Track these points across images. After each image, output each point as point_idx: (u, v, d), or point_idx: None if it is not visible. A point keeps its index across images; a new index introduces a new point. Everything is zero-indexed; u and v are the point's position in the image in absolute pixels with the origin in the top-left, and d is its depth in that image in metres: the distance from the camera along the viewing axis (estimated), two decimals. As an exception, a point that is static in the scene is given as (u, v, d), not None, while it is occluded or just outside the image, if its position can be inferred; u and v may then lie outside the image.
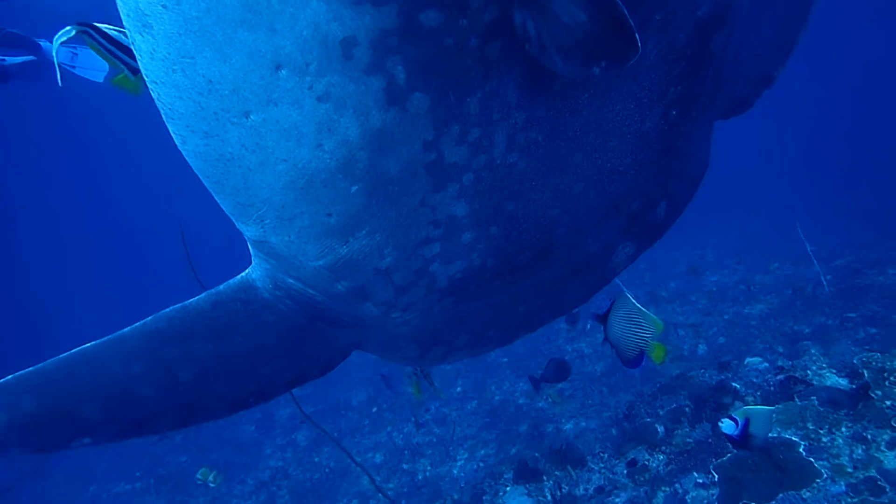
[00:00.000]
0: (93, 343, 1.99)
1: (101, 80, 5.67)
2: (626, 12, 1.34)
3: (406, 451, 8.43)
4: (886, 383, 3.80)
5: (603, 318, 3.02)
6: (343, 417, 10.33)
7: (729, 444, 3.60)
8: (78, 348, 1.91)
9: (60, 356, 1.91)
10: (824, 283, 7.71)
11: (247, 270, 2.16)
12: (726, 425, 3.34)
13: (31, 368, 1.84)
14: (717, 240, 14.02)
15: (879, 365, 3.99)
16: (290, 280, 2.05)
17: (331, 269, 1.91)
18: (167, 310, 2.07)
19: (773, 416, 3.18)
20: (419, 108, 1.60)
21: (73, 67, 5.57)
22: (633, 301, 2.94)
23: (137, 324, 2.03)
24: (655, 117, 2.08)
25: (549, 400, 7.56)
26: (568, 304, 2.59)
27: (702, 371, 5.65)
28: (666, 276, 12.25)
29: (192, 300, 2.11)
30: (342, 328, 2.28)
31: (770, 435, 3.33)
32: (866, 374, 3.99)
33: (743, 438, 3.32)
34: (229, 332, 2.16)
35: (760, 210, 16.26)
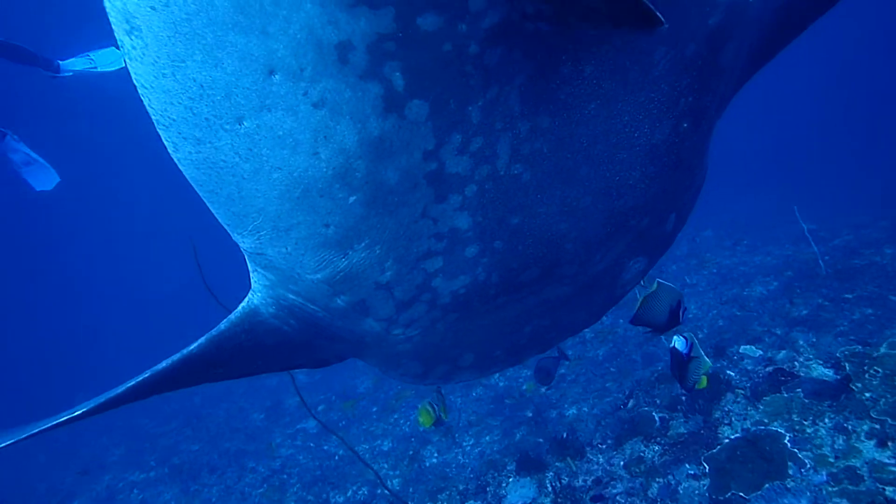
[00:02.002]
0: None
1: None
2: None
3: (413, 438, 8.75)
4: (866, 376, 4.00)
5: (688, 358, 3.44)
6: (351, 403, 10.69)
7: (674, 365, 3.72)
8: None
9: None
10: (822, 264, 7.92)
11: (248, 296, 2.13)
12: (679, 341, 3.62)
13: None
14: (717, 219, 14.14)
15: (860, 358, 4.20)
16: (291, 296, 2.02)
17: (329, 282, 1.88)
18: (168, 363, 2.05)
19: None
20: (418, 115, 1.56)
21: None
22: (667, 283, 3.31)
23: (146, 374, 2.02)
24: (665, 129, 2.04)
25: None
26: (577, 323, 2.54)
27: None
28: (666, 259, 12.43)
29: (194, 346, 2.09)
30: (343, 343, 2.26)
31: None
32: (848, 367, 4.21)
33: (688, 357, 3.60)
34: (230, 358, 2.17)
35: (761, 188, 16.35)
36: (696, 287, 9.89)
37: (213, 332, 2.11)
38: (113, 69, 5.98)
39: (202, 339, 2.09)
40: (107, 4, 1.32)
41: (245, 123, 1.46)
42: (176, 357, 2.06)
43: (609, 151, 1.97)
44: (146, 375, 2.02)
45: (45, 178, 5.95)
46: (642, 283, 3.36)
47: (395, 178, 1.66)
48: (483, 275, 2.03)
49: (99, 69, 5.92)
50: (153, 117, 1.48)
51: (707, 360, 3.58)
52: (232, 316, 2.13)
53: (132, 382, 2.00)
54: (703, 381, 3.61)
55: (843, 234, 9.82)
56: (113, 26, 1.35)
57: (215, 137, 1.49)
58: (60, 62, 5.77)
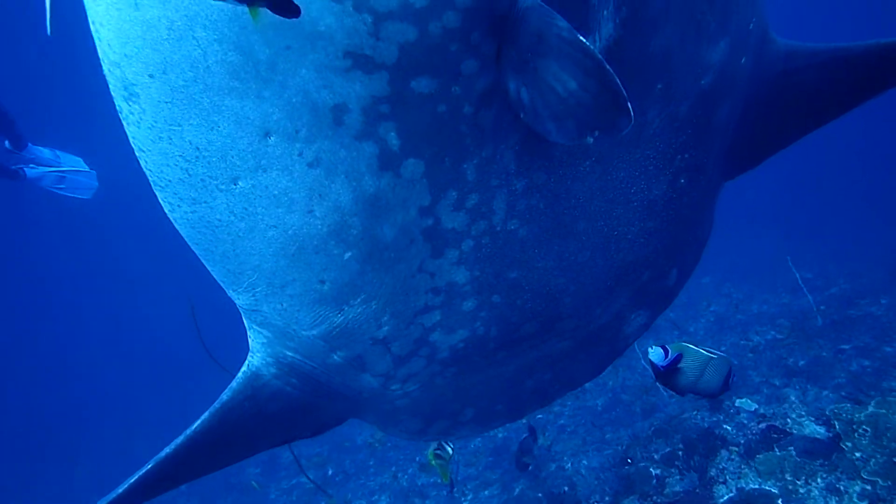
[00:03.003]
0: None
1: (90, 197, 6.04)
2: (618, 82, 1.33)
3: (411, 494, 8.70)
4: (856, 435, 4.07)
5: (666, 372, 3.09)
6: (348, 456, 10.61)
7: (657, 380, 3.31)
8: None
9: None
10: (818, 315, 8.03)
11: (247, 359, 2.13)
12: (655, 353, 3.18)
13: None
14: (715, 265, 14.26)
15: (849, 416, 4.19)
16: (289, 353, 2.02)
17: (325, 338, 1.88)
18: (172, 448, 2.03)
19: (710, 363, 3.06)
20: (414, 173, 1.58)
21: (62, 189, 5.94)
22: (695, 348, 3.23)
23: (157, 458, 2.01)
24: (663, 185, 2.07)
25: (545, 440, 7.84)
26: (580, 377, 2.52)
27: (695, 413, 5.96)
28: (665, 305, 12.49)
29: (197, 424, 2.07)
30: (341, 400, 2.25)
31: (704, 383, 3.16)
32: (837, 426, 4.26)
33: (668, 371, 3.15)
34: (233, 434, 2.15)
35: (760, 232, 16.52)
36: (694, 335, 9.93)
37: (216, 404, 2.09)
38: (80, 196, 5.96)
39: (206, 415, 2.07)
40: (106, 73, 1.36)
41: (240, 183, 1.48)
42: (180, 440, 2.04)
43: (606, 207, 1.99)
44: (149, 469, 2.00)
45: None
46: (691, 354, 3.20)
47: (391, 235, 1.67)
48: (482, 329, 2.03)
49: (65, 192, 5.84)
50: (149, 178, 1.51)
51: (703, 352, 3.16)
52: (234, 384, 2.11)
53: (131, 483, 1.98)
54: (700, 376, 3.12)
55: (840, 282, 9.92)
56: (112, 93, 1.39)
57: (211, 197, 1.51)
58: (31, 144, 5.72)
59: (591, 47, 1.36)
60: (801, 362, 7.31)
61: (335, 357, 1.98)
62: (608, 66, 1.34)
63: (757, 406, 5.60)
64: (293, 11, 1.02)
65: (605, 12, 1.58)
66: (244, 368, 2.13)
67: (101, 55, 1.35)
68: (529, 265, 1.95)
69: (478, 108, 1.55)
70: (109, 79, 1.38)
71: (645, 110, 1.86)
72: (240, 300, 1.83)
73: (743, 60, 2.04)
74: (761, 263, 13.36)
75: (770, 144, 2.41)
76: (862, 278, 9.84)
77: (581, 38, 1.35)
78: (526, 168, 1.75)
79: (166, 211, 1.62)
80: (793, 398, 5.37)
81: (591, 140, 1.42)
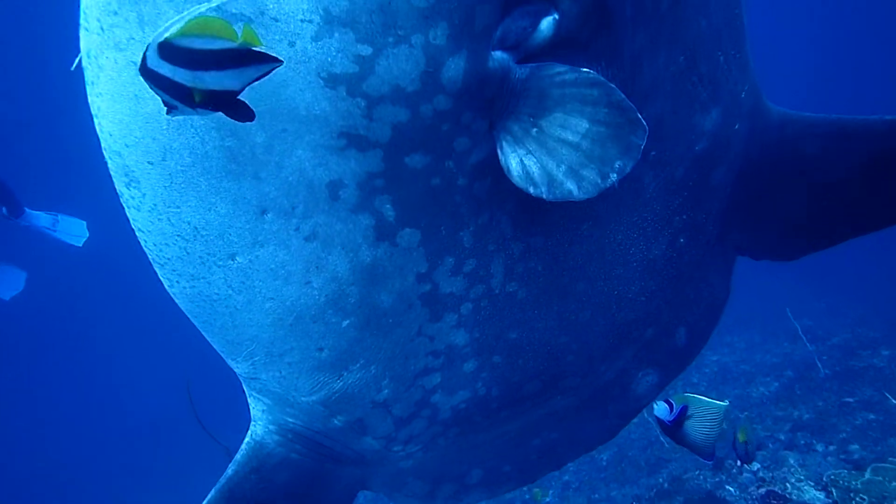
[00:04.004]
0: None
1: (80, 245, 6.10)
2: (623, 95, 1.36)
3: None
4: (853, 503, 4.01)
5: (673, 426, 3.10)
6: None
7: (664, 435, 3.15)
8: None
9: None
10: (820, 366, 7.96)
11: (249, 430, 2.11)
12: (659, 408, 3.26)
13: None
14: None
15: (846, 484, 4.09)
16: (290, 419, 2.01)
17: (325, 403, 1.87)
18: None
19: (721, 414, 3.06)
20: (410, 242, 1.60)
21: (54, 231, 6.01)
22: (699, 397, 3.15)
23: None
24: (662, 245, 2.09)
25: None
26: (591, 438, 2.48)
27: (697, 473, 5.84)
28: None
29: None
30: (347, 465, 2.22)
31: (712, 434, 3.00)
32: (835, 493, 4.12)
33: (675, 425, 2.94)
34: None
35: (759, 281, 16.56)
36: (697, 387, 9.81)
37: (222, 480, 2.04)
38: (71, 242, 6.05)
39: (212, 494, 2.01)
40: (108, 159, 1.40)
41: (238, 259, 1.50)
42: None
43: (605, 268, 2.00)
44: None
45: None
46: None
47: (389, 301, 1.68)
48: (483, 389, 2.02)
49: (57, 235, 6.01)
50: (149, 256, 1.53)
51: (714, 403, 3.16)
52: (238, 456, 2.08)
53: None
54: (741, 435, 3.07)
55: (840, 332, 9.86)
56: (113, 178, 1.42)
57: (209, 273, 1.53)
58: (28, 209, 5.86)
59: (594, 74, 1.40)
60: (806, 415, 7.20)
61: (335, 421, 1.97)
62: (611, 85, 1.38)
63: (759, 465, 5.49)
64: (248, 117, 1.06)
65: None
66: (247, 439, 2.11)
67: (102, 144, 1.39)
68: (530, 326, 1.96)
69: (472, 180, 1.58)
70: (110, 165, 1.42)
71: (640, 176, 1.90)
72: (239, 369, 1.83)
73: (737, 126, 2.09)
74: (763, 311, 13.31)
75: (795, 228, 2.37)
76: (863, 328, 9.79)
77: (582, 70, 1.40)
78: (523, 233, 1.77)
79: (166, 286, 1.63)
80: (791, 461, 5.28)
81: (615, 178, 1.42)
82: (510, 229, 1.73)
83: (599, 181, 1.42)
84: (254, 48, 0.95)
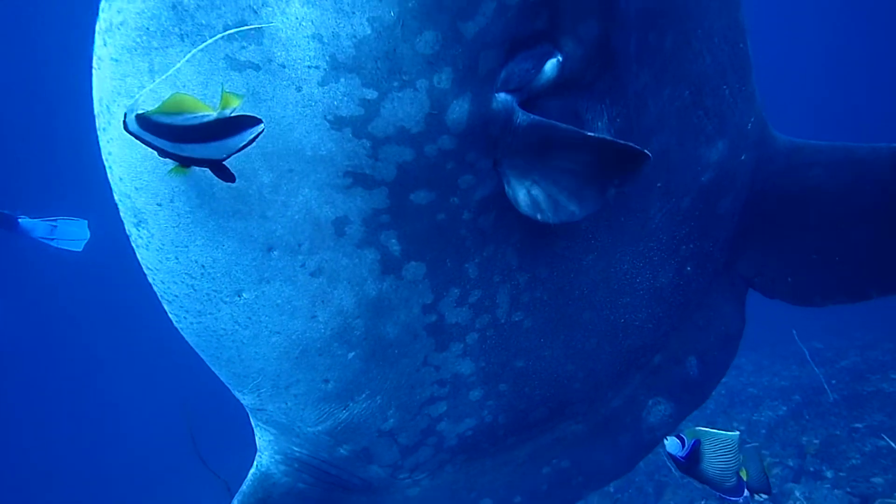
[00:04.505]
0: None
1: (81, 250, 6.04)
2: (622, 142, 1.41)
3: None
4: None
5: (688, 462, 2.97)
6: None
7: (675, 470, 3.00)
8: None
9: None
10: (828, 390, 7.88)
11: (255, 461, 2.10)
12: (671, 443, 2.87)
13: None
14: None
15: None
16: (296, 448, 2.01)
17: (331, 433, 1.88)
18: None
19: (735, 444, 2.74)
20: (416, 275, 1.61)
21: (52, 240, 5.95)
22: (710, 430, 3.03)
23: None
24: (669, 273, 2.09)
25: None
26: (604, 470, 2.42)
27: (703, 503, 5.76)
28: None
29: None
30: (353, 493, 2.21)
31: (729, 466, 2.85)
32: None
33: (690, 461, 2.82)
34: None
35: (766, 302, 16.48)
36: (704, 409, 9.71)
37: None
38: (71, 248, 5.95)
39: None
40: (117, 201, 1.42)
41: (244, 295, 1.52)
42: None
43: (611, 297, 2.01)
44: None
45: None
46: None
47: (395, 332, 1.70)
48: (489, 416, 2.03)
49: (55, 243, 5.88)
50: (157, 293, 1.55)
51: (726, 434, 2.83)
52: (244, 487, 2.06)
53: None
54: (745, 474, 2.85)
55: (850, 355, 9.76)
56: (122, 219, 1.45)
57: (216, 309, 1.55)
58: (22, 220, 5.74)
59: (594, 134, 1.44)
60: (816, 441, 7.11)
61: (341, 450, 1.97)
62: (611, 138, 1.42)
63: (766, 497, 5.43)
64: (230, 179, 1.12)
65: (600, 123, 1.65)
66: (253, 470, 2.10)
67: (112, 186, 1.41)
68: (535, 354, 1.96)
69: (477, 214, 1.60)
70: (120, 207, 1.45)
71: (646, 207, 1.91)
72: (245, 400, 1.84)
73: (743, 157, 2.10)
74: (770, 333, 13.22)
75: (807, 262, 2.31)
76: (872, 351, 9.70)
77: (587, 133, 1.43)
78: (528, 264, 1.78)
79: (173, 322, 1.65)
80: (798, 493, 5.21)
81: (613, 192, 1.47)
82: (515, 261, 1.75)
83: (600, 196, 1.49)
84: (233, 111, 1.00)
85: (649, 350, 2.22)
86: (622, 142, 1.41)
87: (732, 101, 2.01)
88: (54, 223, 5.84)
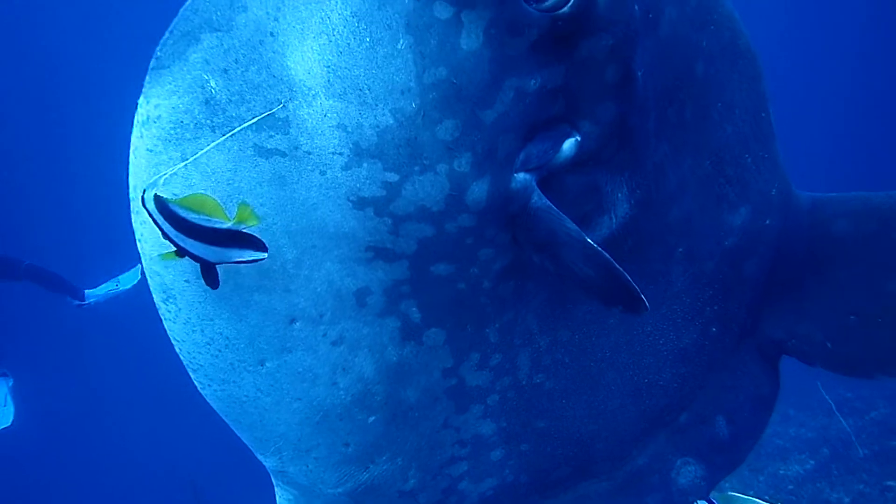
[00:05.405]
0: None
1: (137, 279, 6.32)
2: (628, 278, 1.40)
3: None
4: None
5: None
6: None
7: None
8: None
9: None
10: (858, 445, 7.63)
11: None
12: None
13: None
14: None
15: None
16: None
17: (351, 494, 1.88)
18: None
19: None
20: (436, 341, 1.63)
21: (118, 289, 6.25)
22: (741, 496, 2.90)
23: None
24: (693, 334, 2.07)
25: None
26: None
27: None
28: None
29: None
30: None
31: None
32: None
33: None
34: None
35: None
36: (729, 461, 9.46)
37: None
38: (133, 284, 6.32)
39: None
40: (148, 276, 1.48)
41: (267, 364, 1.55)
42: None
43: (634, 357, 2.00)
44: None
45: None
46: None
47: (415, 396, 1.71)
48: (511, 476, 2.02)
49: (121, 288, 6.30)
50: (183, 361, 1.59)
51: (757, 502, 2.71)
52: None
53: None
54: None
55: (879, 405, 9.46)
56: (151, 292, 1.49)
57: (239, 378, 1.58)
58: (86, 291, 6.17)
59: (598, 249, 1.44)
60: (846, 499, 6.88)
61: None
62: (617, 266, 1.42)
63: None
64: (214, 286, 1.21)
65: (620, 195, 1.68)
66: None
67: (143, 262, 1.45)
68: (557, 414, 1.96)
69: (496, 283, 1.61)
70: (150, 282, 1.50)
71: (668, 271, 1.91)
72: (267, 462, 1.86)
73: (768, 221, 2.09)
74: (798, 381, 12.91)
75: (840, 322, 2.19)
76: (901, 400, 9.41)
77: (588, 240, 1.43)
78: (549, 327, 1.79)
79: (198, 388, 1.69)
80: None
81: (616, 312, 1.51)
82: (536, 325, 1.76)
83: (603, 306, 1.55)
84: (247, 227, 1.04)
85: (675, 409, 2.20)
86: (624, 277, 1.43)
87: (755, 168, 2.01)
88: (117, 280, 6.14)
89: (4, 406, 6.15)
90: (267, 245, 1.40)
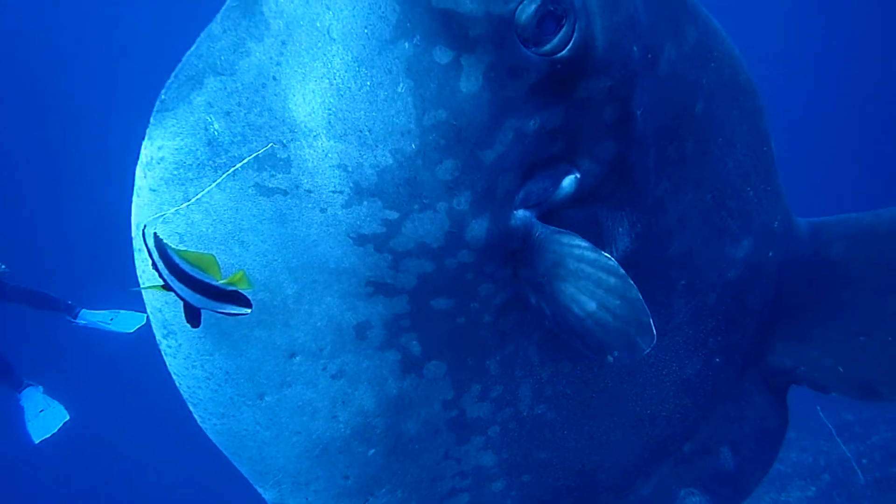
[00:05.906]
0: None
1: (132, 331, 6.30)
2: (641, 299, 1.39)
3: None
4: None
5: None
6: None
7: None
8: None
9: None
10: (860, 472, 7.57)
11: None
12: None
13: None
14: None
15: None
16: None
17: None
18: None
19: None
20: (436, 373, 1.63)
21: (109, 325, 6.25)
22: None
23: None
24: (696, 365, 2.07)
25: None
26: None
27: None
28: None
29: None
30: None
31: None
32: None
33: None
34: None
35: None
36: (730, 486, 9.36)
37: None
38: (123, 331, 6.34)
39: None
40: (150, 314, 1.48)
41: (266, 398, 1.55)
42: None
43: (636, 388, 2.00)
44: None
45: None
46: None
47: (415, 429, 1.70)
48: None
49: (111, 327, 6.33)
50: (183, 395, 1.59)
51: None
52: None
53: None
54: None
55: (881, 430, 9.39)
56: (153, 328, 1.49)
57: (238, 412, 1.57)
58: (84, 310, 6.25)
59: (615, 264, 1.44)
60: (848, 527, 6.80)
61: None
62: (632, 283, 1.41)
63: None
64: (195, 325, 1.25)
65: (620, 229, 1.68)
66: None
67: (145, 300, 1.46)
68: (559, 445, 1.95)
69: (497, 317, 1.62)
70: (152, 319, 1.50)
71: (670, 303, 1.92)
72: (266, 495, 1.84)
73: (770, 254, 2.10)
74: (797, 403, 12.81)
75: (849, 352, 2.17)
76: (903, 426, 9.34)
77: (605, 254, 1.43)
78: (550, 359, 1.79)
79: (197, 421, 1.68)
80: None
81: (611, 359, 1.48)
82: (537, 356, 1.76)
83: (597, 353, 1.52)
84: (238, 289, 1.12)
85: (678, 439, 2.19)
86: (640, 298, 1.42)
87: (757, 201, 2.02)
88: (116, 314, 6.20)
89: (51, 407, 6.18)
90: (264, 285, 1.42)
